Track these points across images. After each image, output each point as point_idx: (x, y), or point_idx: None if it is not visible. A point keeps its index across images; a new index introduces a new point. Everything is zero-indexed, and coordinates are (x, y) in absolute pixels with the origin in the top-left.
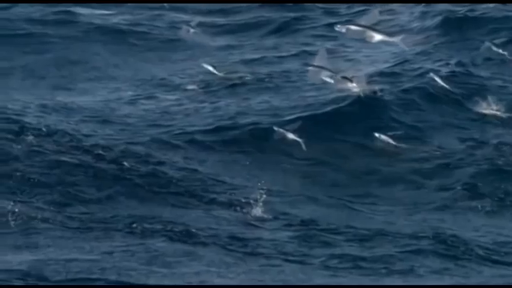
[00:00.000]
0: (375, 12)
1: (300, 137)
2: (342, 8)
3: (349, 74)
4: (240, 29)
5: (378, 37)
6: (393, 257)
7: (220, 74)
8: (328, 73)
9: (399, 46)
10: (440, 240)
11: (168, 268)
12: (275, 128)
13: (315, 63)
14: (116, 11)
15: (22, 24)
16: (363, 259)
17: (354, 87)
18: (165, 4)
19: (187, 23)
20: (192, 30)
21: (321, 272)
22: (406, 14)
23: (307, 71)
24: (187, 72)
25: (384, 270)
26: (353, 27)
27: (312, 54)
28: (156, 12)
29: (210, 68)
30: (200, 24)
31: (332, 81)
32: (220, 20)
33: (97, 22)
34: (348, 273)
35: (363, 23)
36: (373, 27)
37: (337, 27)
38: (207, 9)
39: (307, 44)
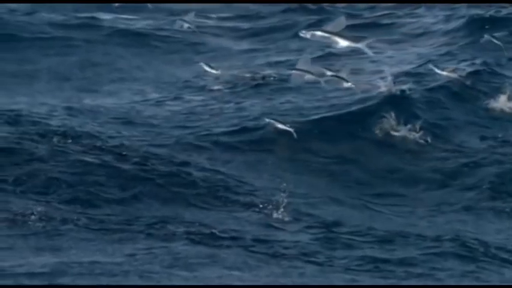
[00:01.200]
0: (341, 20)
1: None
2: (365, 12)
3: (343, 74)
4: (264, 33)
5: (342, 43)
6: (414, 260)
7: (218, 73)
8: (311, 77)
9: (421, 49)
10: (462, 243)
11: (190, 271)
12: (266, 119)
13: (298, 67)
14: (138, 16)
15: (46, 28)
16: (384, 261)
17: (350, 86)
18: (149, 4)
19: (181, 18)
20: (186, 24)
21: (341, 276)
22: (430, 16)
23: (290, 74)
24: (211, 74)
25: (404, 274)
26: (318, 32)
27: (337, 55)
28: (179, 17)
29: (207, 68)
30: (200, 21)
31: (322, 80)
32: (244, 24)
33: (120, 26)
34: (369, 276)
35: (328, 29)
36: (337, 33)
37: (302, 33)
38: (231, 14)
39: (332, 46)
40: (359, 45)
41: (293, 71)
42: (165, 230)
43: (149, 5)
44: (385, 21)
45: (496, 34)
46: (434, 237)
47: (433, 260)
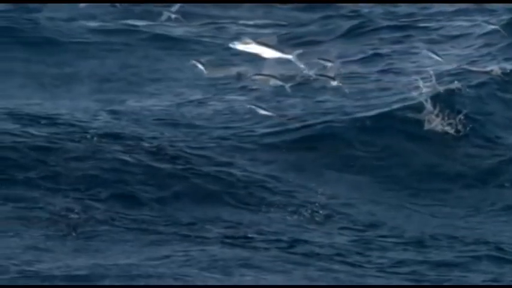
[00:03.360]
0: (273, 37)
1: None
2: (404, 17)
3: (330, 72)
4: (304, 38)
5: (272, 54)
6: (449, 263)
7: (207, 72)
8: (276, 81)
9: (460, 50)
10: (499, 246)
11: (225, 274)
12: (247, 105)
13: (263, 72)
14: (177, 24)
15: (84, 33)
16: (419, 264)
17: (336, 83)
18: (118, 4)
19: (167, 9)
20: (173, 16)
21: (375, 280)
22: (468, 20)
23: (256, 79)
24: (251, 74)
25: (438, 277)
26: (249, 44)
27: (381, 56)
28: (220, 25)
29: (199, 65)
30: (184, 12)
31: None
32: (283, 30)
33: (157, 31)
34: (402, 279)
35: (259, 41)
36: (268, 44)
37: (232, 44)
38: (270, 21)
39: (375, 48)
40: (289, 56)
41: (257, 76)
42: (202, 231)
43: (118, 5)
44: (423, 24)
45: None
46: (470, 239)
47: (469, 264)
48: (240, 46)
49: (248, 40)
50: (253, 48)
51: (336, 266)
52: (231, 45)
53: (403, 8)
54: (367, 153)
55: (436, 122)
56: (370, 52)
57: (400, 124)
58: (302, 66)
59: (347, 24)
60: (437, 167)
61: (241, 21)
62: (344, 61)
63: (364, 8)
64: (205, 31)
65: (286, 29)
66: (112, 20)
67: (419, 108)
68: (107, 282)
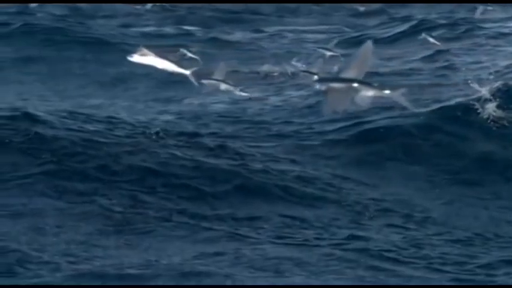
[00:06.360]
0: (182, 51)
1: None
2: (459, 20)
3: (314, 69)
4: (361, 41)
5: (170, 68)
6: (499, 262)
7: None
8: (226, 85)
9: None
10: None
11: (276, 273)
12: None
13: (214, 77)
14: (233, 29)
15: (138, 37)
16: (468, 263)
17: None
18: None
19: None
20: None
21: (423, 281)
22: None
23: (204, 84)
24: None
25: (484, 277)
26: (148, 56)
27: (443, 52)
28: (276, 32)
29: (189, 54)
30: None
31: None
32: (339, 34)
33: (213, 35)
34: (451, 279)
35: (160, 55)
36: (165, 57)
37: (130, 57)
38: (328, 27)
39: (432, 46)
40: (186, 72)
41: (206, 81)
42: (254, 229)
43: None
44: (477, 24)
45: None
46: None
47: None
48: (136, 58)
49: (145, 52)
50: (149, 60)
51: (386, 265)
52: (128, 58)
53: (456, 14)
54: (426, 147)
55: (493, 113)
56: (428, 51)
57: (461, 117)
58: (197, 83)
59: (403, 27)
60: (493, 160)
61: (297, 27)
62: (403, 60)
63: (419, 15)
64: (262, 36)
65: (342, 34)
66: (166, 25)
67: (478, 101)
68: (159, 280)
